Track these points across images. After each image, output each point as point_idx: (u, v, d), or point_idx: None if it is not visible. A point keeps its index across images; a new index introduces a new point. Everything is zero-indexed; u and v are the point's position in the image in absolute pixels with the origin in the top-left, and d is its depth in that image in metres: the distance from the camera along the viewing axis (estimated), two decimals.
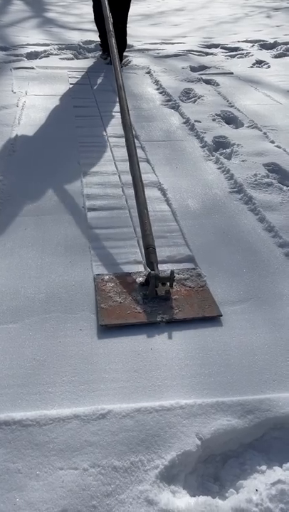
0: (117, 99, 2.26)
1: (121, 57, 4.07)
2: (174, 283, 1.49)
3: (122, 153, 2.06)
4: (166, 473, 1.00)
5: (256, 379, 1.22)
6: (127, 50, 4.30)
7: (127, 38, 4.02)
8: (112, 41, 2.43)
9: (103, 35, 4.07)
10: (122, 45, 3.95)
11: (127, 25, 3.87)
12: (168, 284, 1.46)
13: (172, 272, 1.45)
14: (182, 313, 1.40)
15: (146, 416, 1.10)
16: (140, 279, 1.52)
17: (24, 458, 1.00)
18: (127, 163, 1.82)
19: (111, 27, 2.52)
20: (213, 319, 1.40)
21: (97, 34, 4.15)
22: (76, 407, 1.12)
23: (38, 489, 0.95)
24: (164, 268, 1.57)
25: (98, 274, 1.56)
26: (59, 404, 1.13)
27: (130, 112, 2.99)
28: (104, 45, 4.18)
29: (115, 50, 2.38)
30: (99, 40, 4.24)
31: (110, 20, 2.58)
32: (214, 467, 1.07)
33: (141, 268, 1.60)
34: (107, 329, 1.35)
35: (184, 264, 1.64)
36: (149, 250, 1.54)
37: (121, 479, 0.97)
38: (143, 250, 1.62)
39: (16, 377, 1.20)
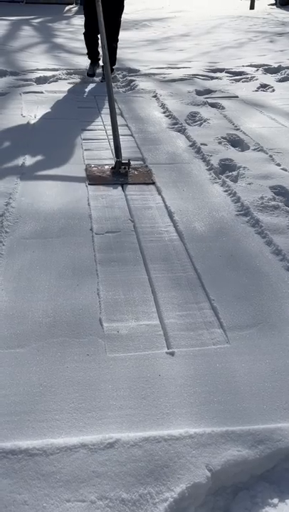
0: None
1: (111, 71, 4.26)
2: (131, 168, 2.51)
3: None
4: (176, 507, 0.97)
5: (266, 407, 1.20)
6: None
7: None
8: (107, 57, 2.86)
9: (91, 46, 4.34)
10: (112, 61, 4.24)
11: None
12: (126, 167, 2.49)
13: (129, 160, 2.51)
14: (132, 180, 2.40)
15: (154, 445, 1.08)
16: (111, 166, 2.55)
17: (31, 489, 0.98)
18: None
19: (105, 41, 2.96)
20: (148, 185, 2.36)
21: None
22: (83, 435, 1.10)
23: None
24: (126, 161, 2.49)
25: (88, 164, 2.59)
26: (66, 432, 1.12)
27: (136, 135, 3.06)
28: (92, 55, 4.39)
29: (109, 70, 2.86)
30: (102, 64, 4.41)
31: (104, 35, 2.97)
32: (224, 500, 1.04)
33: None
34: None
35: (138, 163, 2.63)
36: (118, 161, 2.52)
37: None
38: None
39: (23, 404, 1.19)
